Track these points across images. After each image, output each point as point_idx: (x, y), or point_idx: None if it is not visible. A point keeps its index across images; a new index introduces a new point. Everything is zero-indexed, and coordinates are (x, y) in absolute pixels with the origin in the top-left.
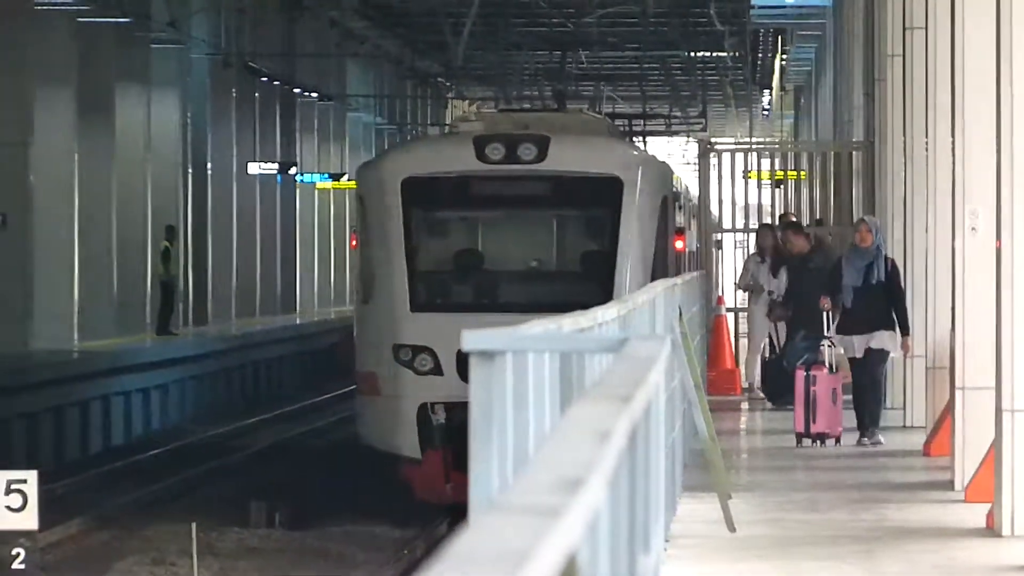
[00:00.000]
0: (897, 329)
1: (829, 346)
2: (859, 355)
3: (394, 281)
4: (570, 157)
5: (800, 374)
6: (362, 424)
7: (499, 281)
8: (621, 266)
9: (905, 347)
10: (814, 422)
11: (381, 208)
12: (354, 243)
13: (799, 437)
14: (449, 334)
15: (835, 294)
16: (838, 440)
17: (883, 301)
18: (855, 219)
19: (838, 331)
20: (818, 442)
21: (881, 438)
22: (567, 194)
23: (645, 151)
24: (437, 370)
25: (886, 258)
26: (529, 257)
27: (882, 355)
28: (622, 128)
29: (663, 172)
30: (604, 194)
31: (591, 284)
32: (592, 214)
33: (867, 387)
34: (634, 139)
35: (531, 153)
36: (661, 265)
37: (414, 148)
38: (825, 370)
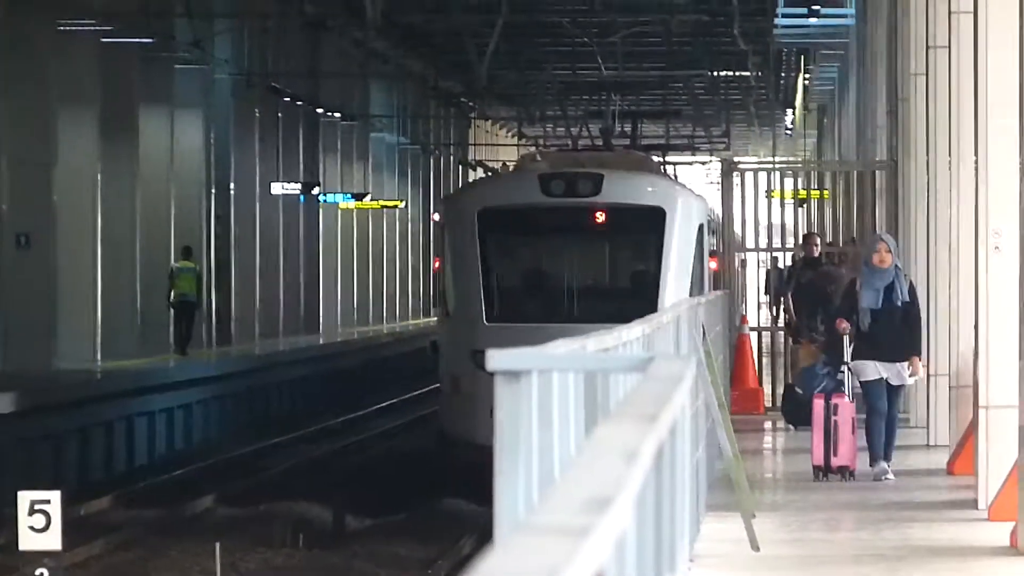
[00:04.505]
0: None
1: (848, 372)
2: (881, 376)
3: (472, 297)
4: (621, 191)
5: (819, 403)
6: (445, 417)
7: (560, 296)
8: (664, 284)
9: (915, 367)
10: (835, 454)
11: (460, 235)
12: (437, 265)
13: (818, 471)
14: (519, 341)
15: (852, 317)
16: (853, 474)
17: (904, 324)
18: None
19: (853, 356)
20: (840, 476)
21: (891, 476)
22: (618, 223)
23: (684, 185)
24: None
25: (906, 277)
26: (586, 276)
27: (901, 390)
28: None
29: (699, 203)
30: (650, 223)
31: (639, 299)
32: (640, 240)
33: (890, 418)
34: (665, 166)
35: (588, 188)
36: (698, 283)
37: (488, 184)
38: (846, 398)
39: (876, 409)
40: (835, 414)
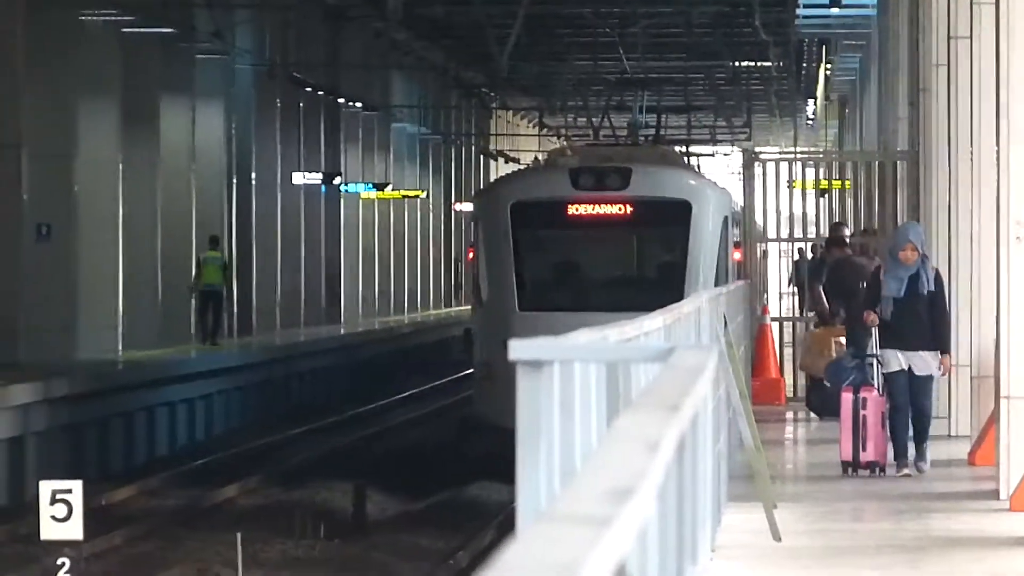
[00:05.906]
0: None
1: (877, 364)
2: (904, 367)
3: (505, 286)
4: (648, 184)
5: (847, 396)
6: (479, 403)
7: (590, 286)
8: (690, 274)
9: (945, 366)
10: (863, 449)
11: (494, 227)
12: (471, 256)
13: (847, 466)
14: (550, 330)
15: (876, 306)
16: (884, 469)
17: (929, 315)
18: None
19: (880, 345)
20: (870, 471)
21: (925, 466)
22: (646, 215)
23: (709, 178)
24: None
25: (933, 268)
26: (615, 267)
27: (928, 381)
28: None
29: (724, 196)
30: (676, 215)
31: (666, 289)
32: (666, 232)
33: (919, 412)
34: (689, 158)
35: (616, 181)
36: (723, 273)
37: (520, 178)
38: (875, 392)
39: (897, 405)
40: (863, 408)
